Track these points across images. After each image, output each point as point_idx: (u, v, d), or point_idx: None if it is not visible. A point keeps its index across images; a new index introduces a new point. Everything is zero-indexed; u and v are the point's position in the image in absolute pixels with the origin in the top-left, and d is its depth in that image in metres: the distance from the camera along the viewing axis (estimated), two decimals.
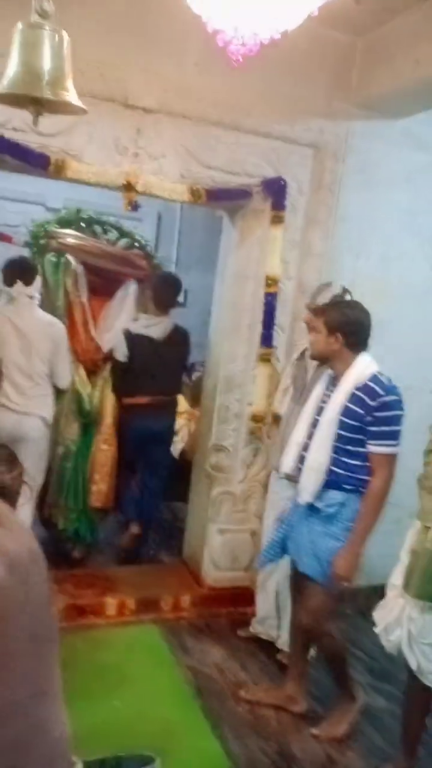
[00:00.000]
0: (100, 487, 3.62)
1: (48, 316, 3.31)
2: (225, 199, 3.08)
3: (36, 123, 1.43)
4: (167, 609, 3.45)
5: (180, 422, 4.97)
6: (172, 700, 2.83)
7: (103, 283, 3.64)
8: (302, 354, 3.07)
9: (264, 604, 3.25)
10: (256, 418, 3.41)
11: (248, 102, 3.02)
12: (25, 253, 3.65)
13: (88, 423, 3.62)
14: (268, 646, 3.20)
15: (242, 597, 3.44)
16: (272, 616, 3.22)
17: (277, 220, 3.20)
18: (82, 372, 3.57)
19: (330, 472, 2.48)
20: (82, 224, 3.74)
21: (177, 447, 4.76)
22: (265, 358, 3.35)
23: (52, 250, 3.54)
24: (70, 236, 3.60)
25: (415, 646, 2.25)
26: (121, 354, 3.63)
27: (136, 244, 3.86)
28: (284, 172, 3.18)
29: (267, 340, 3.34)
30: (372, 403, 2.39)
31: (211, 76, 2.90)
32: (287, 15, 1.69)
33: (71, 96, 1.38)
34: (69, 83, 1.39)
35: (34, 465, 3.18)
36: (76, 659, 2.99)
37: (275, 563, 2.91)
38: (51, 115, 1.52)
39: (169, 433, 4.05)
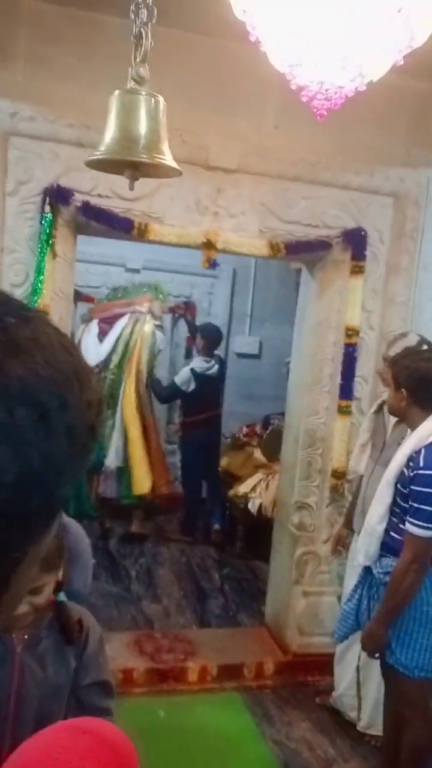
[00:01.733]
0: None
1: None
2: (305, 251, 3.07)
3: (132, 187, 1.45)
4: (250, 676, 3.29)
5: (257, 476, 4.90)
6: None
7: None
8: (380, 407, 2.91)
9: (342, 679, 3.02)
10: (337, 474, 3.27)
11: (327, 156, 3.04)
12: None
13: None
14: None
15: (329, 665, 3.23)
16: (351, 695, 2.97)
17: (357, 270, 3.16)
18: None
19: (387, 536, 2.30)
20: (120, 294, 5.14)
21: (255, 503, 4.66)
22: (344, 411, 3.24)
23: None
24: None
25: None
26: (189, 386, 4.86)
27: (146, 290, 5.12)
28: (364, 222, 3.15)
29: (346, 391, 3.24)
30: (411, 474, 2.18)
31: (290, 135, 2.95)
32: (373, 66, 1.68)
33: (167, 159, 1.39)
34: (165, 146, 1.41)
35: None
36: (158, 727, 2.88)
37: (352, 637, 2.67)
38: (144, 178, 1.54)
39: (218, 440, 5.31)
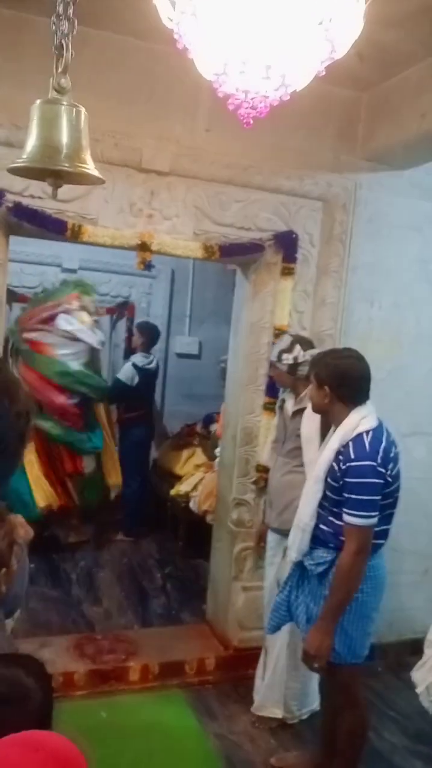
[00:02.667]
0: None
1: None
2: (238, 254, 3.13)
3: (55, 195, 1.47)
4: (192, 673, 3.33)
5: (198, 475, 4.95)
6: None
7: None
8: (281, 403, 3.07)
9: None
10: (260, 468, 3.34)
11: (258, 160, 3.10)
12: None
13: None
14: None
15: None
16: (258, 675, 3.06)
17: (286, 272, 3.24)
18: None
19: (317, 530, 2.37)
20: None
21: (196, 502, 4.71)
22: (269, 408, 3.31)
23: None
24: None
25: None
26: (134, 381, 4.97)
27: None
28: (295, 225, 3.23)
29: (272, 389, 3.31)
30: (342, 467, 2.25)
31: (221, 139, 3.00)
32: (296, 76, 1.73)
33: (89, 168, 1.41)
34: (87, 156, 1.43)
35: None
36: (100, 728, 2.88)
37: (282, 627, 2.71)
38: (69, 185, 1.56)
39: (152, 437, 5.50)
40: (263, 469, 3.30)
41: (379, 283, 3.47)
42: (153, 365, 5.14)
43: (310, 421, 2.78)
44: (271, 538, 3.04)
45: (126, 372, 5.01)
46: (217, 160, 3.04)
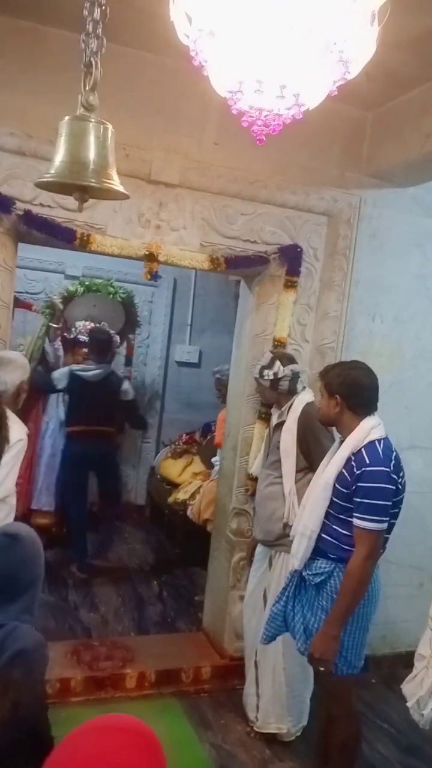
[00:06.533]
0: None
1: None
2: (243, 266, 3.17)
3: (81, 209, 1.51)
4: (188, 681, 3.33)
5: (196, 483, 4.97)
6: None
7: None
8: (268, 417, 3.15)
9: (246, 675, 3.10)
10: (251, 477, 3.36)
11: (265, 175, 3.15)
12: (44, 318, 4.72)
13: None
14: None
15: None
16: (251, 693, 3.03)
17: (289, 285, 3.28)
18: None
19: (319, 539, 2.38)
20: None
21: (194, 510, 4.73)
22: (263, 417, 3.34)
23: None
24: None
25: None
26: (60, 384, 4.46)
27: None
28: (300, 239, 3.28)
29: None
30: (357, 472, 2.27)
31: (229, 153, 3.05)
32: (309, 96, 1.78)
33: (115, 183, 1.45)
34: (113, 171, 1.47)
35: None
36: None
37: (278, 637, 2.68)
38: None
39: (113, 459, 4.90)
40: (253, 479, 3.33)
41: (381, 298, 3.52)
42: (93, 375, 4.45)
43: (288, 434, 2.86)
44: (258, 549, 3.08)
45: (59, 371, 4.51)
46: (224, 174, 3.08)
